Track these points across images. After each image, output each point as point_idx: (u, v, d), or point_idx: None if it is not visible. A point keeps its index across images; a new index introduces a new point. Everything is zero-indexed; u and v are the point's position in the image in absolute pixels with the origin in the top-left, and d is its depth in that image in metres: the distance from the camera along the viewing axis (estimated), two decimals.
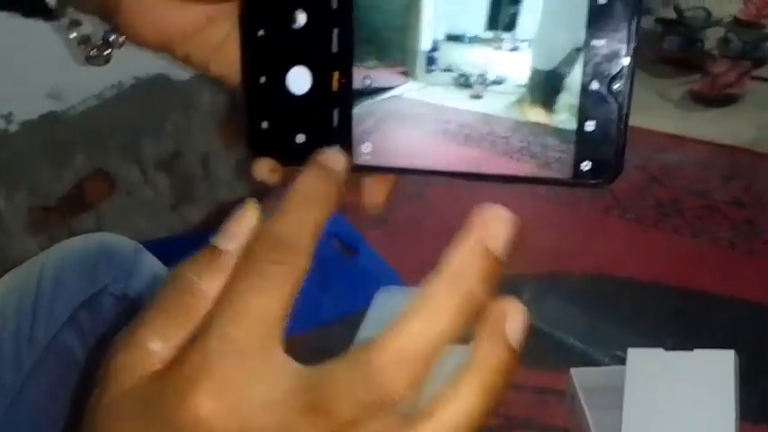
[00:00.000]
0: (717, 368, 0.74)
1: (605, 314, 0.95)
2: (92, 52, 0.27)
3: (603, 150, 0.22)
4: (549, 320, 0.94)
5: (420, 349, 0.18)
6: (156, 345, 0.19)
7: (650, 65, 1.82)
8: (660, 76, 1.76)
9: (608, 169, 0.22)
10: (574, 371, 0.79)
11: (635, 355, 0.77)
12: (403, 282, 1.01)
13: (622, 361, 0.78)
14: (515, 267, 1.05)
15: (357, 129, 0.24)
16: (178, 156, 1.13)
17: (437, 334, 0.18)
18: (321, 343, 0.92)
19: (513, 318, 0.19)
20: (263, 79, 0.25)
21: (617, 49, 0.21)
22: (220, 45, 0.27)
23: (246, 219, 0.20)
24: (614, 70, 0.21)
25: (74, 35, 0.27)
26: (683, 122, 1.52)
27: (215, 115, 1.16)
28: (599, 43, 0.21)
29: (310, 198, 0.20)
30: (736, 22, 2.01)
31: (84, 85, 0.95)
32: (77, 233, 0.98)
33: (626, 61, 0.21)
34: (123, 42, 0.28)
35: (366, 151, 0.24)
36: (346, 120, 0.25)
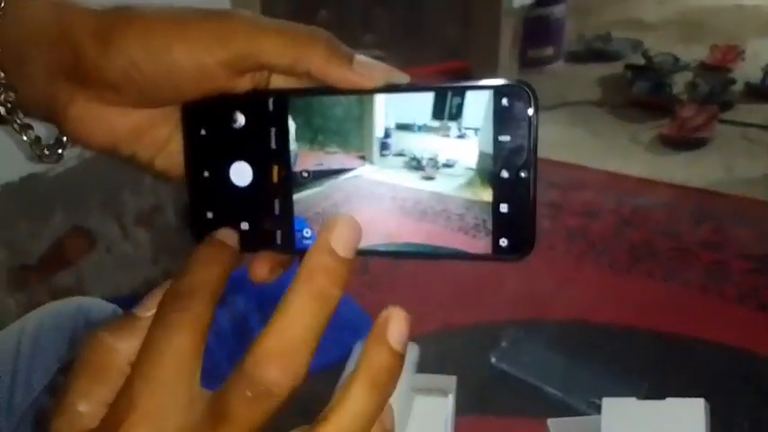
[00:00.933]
0: (688, 416, 0.75)
1: (582, 360, 0.97)
2: (45, 151, 0.29)
3: (516, 229, 0.24)
4: (526, 368, 0.95)
5: (287, 342, 0.21)
6: (83, 406, 0.22)
7: (620, 109, 1.88)
8: (630, 121, 1.81)
9: (521, 245, 0.25)
10: (551, 421, 0.80)
11: (610, 404, 0.78)
12: None
13: (599, 408, 0.79)
14: (493, 315, 1.06)
15: (303, 214, 0.27)
16: (158, 209, 1.14)
17: (299, 326, 0.21)
18: (302, 394, 0.92)
19: (394, 323, 0.22)
20: (206, 173, 0.27)
21: (521, 143, 0.24)
22: (163, 144, 0.28)
23: (162, 291, 0.23)
24: (520, 161, 0.24)
25: (25, 138, 0.28)
26: (654, 166, 1.56)
27: None
28: (505, 138, 0.24)
29: (204, 261, 0.23)
30: (703, 67, 2.08)
31: None
32: (57, 290, 0.98)
33: (530, 153, 0.24)
34: (73, 142, 0.29)
35: (306, 236, 0.27)
36: (287, 209, 0.27)
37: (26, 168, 0.92)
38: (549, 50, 2.19)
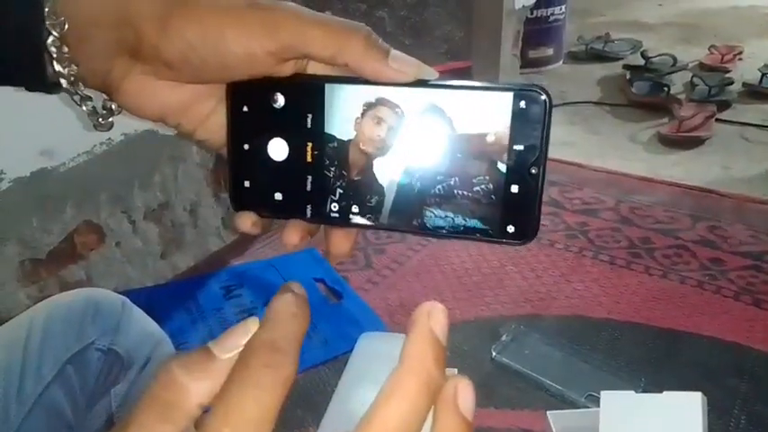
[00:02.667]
0: (686, 409, 0.76)
1: (581, 354, 0.98)
2: (99, 120, 0.31)
3: (523, 218, 0.27)
4: (526, 362, 0.97)
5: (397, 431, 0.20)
6: None
7: (620, 109, 1.89)
8: (629, 120, 1.83)
9: (526, 232, 0.27)
10: (550, 413, 0.82)
11: (608, 397, 0.79)
12: (385, 325, 1.04)
13: (598, 401, 0.81)
14: (494, 310, 1.08)
15: (328, 191, 0.29)
16: (167, 206, 1.15)
17: (408, 415, 0.20)
18: (307, 386, 0.94)
19: (463, 392, 0.22)
20: (246, 146, 0.30)
21: (534, 143, 0.26)
22: (206, 117, 0.31)
23: (246, 333, 0.22)
24: (532, 158, 0.26)
25: (84, 109, 0.30)
26: (652, 164, 1.58)
27: (203, 165, 1.20)
28: (520, 137, 0.27)
29: (291, 313, 0.22)
30: (702, 68, 2.10)
31: (75, 143, 0.98)
32: (68, 284, 1.00)
33: (541, 152, 0.26)
34: (121, 110, 0.32)
35: (334, 209, 0.29)
36: (319, 185, 0.29)
37: (37, 163, 0.94)
38: (550, 51, 2.21)
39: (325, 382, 0.95)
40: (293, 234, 0.30)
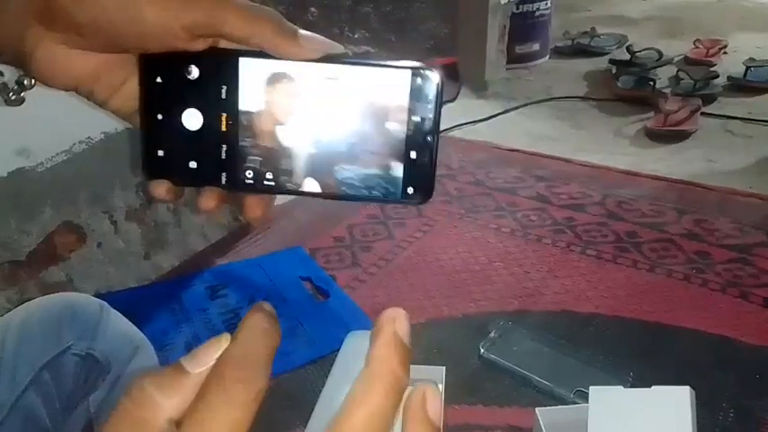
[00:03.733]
0: (674, 403, 0.76)
1: (569, 350, 0.98)
2: (11, 96, 0.31)
3: (421, 180, 0.30)
4: (514, 358, 0.97)
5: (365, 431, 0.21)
6: None
7: (605, 104, 1.90)
8: (615, 115, 1.83)
9: (423, 193, 0.30)
10: (539, 410, 0.81)
11: (596, 393, 0.79)
12: (373, 323, 1.03)
13: (586, 396, 0.80)
14: (482, 306, 1.07)
15: (243, 158, 0.30)
16: (149, 205, 1.14)
17: (377, 416, 0.21)
18: (294, 386, 0.93)
19: (431, 399, 0.22)
20: (159, 116, 0.30)
21: (429, 115, 0.29)
22: (119, 86, 0.31)
23: (218, 348, 0.22)
24: (428, 128, 0.29)
25: None
26: (638, 159, 1.58)
27: None
28: (417, 109, 0.29)
29: (263, 329, 0.22)
30: (687, 62, 2.11)
31: (54, 141, 0.96)
32: (47, 286, 0.98)
33: (435, 122, 0.29)
34: (34, 84, 0.31)
35: (249, 176, 0.31)
36: (233, 153, 0.30)
37: (14, 163, 0.92)
38: (536, 46, 2.21)
39: (312, 381, 0.94)
40: (210, 200, 0.31)
